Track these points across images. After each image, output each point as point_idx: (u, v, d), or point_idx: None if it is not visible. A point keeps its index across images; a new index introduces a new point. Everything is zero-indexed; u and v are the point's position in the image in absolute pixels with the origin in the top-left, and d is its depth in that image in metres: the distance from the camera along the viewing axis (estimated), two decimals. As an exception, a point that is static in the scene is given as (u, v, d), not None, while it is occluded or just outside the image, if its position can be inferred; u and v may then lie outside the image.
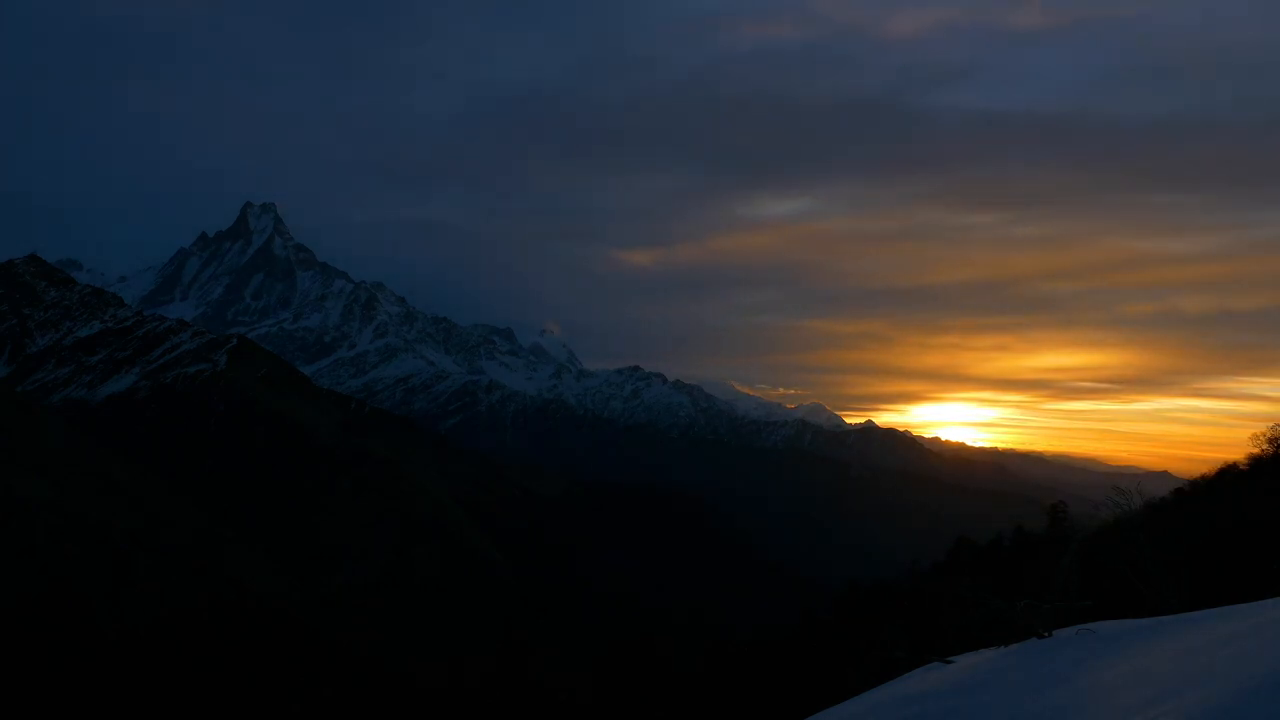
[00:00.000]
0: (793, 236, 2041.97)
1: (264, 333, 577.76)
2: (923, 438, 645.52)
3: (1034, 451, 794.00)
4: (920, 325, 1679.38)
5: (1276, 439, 43.59)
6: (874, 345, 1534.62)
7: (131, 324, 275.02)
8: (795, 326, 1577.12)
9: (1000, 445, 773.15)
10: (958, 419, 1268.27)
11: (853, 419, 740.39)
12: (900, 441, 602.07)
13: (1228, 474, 46.17)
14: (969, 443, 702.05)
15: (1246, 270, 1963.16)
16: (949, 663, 12.27)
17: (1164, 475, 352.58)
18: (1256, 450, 44.28)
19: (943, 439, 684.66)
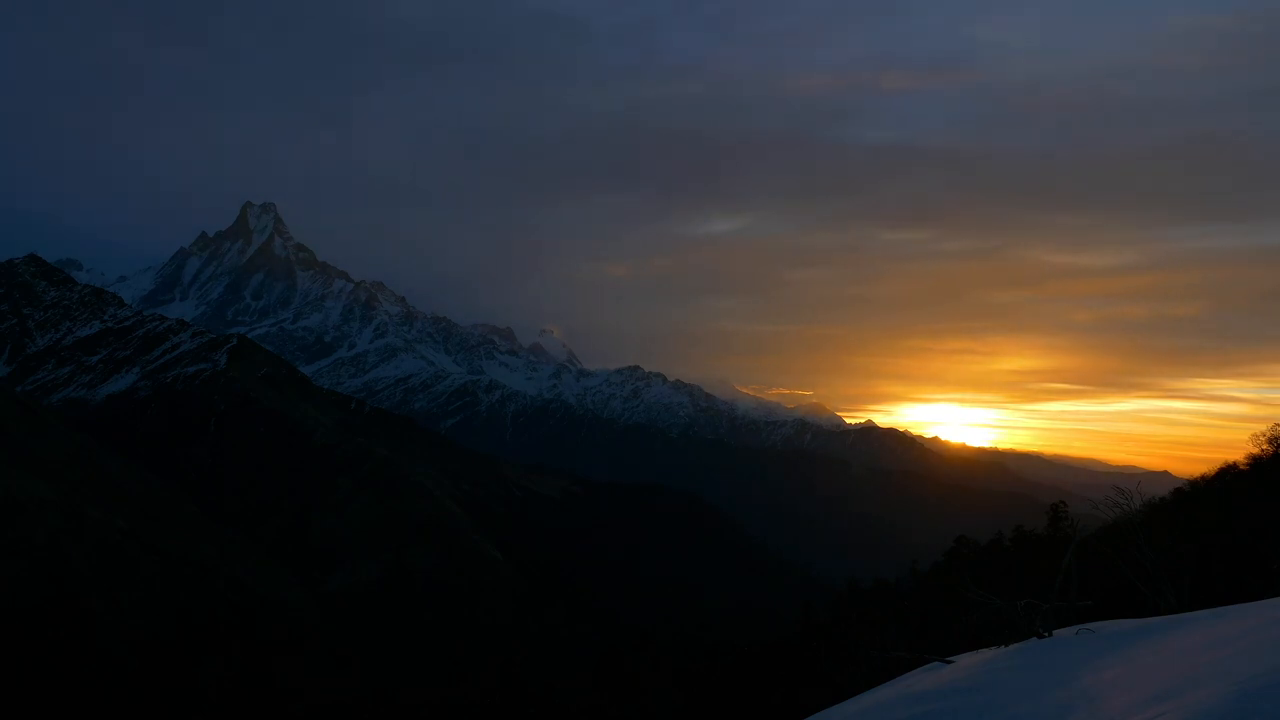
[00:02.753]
0: (744, 250, 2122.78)
1: (264, 333, 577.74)
2: (922, 438, 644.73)
3: (1034, 451, 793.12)
4: (887, 330, 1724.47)
5: (1276, 439, 43.57)
6: (854, 349, 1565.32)
7: (131, 324, 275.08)
8: (772, 331, 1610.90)
9: (1000, 445, 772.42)
10: (954, 420, 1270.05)
11: (853, 419, 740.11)
12: (900, 441, 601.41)
13: (1228, 474, 46.14)
14: (968, 443, 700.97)
15: (1168, 281, 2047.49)
16: (949, 663, 12.27)
17: (1164, 475, 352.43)
18: (1256, 450, 44.25)
19: (942, 439, 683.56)
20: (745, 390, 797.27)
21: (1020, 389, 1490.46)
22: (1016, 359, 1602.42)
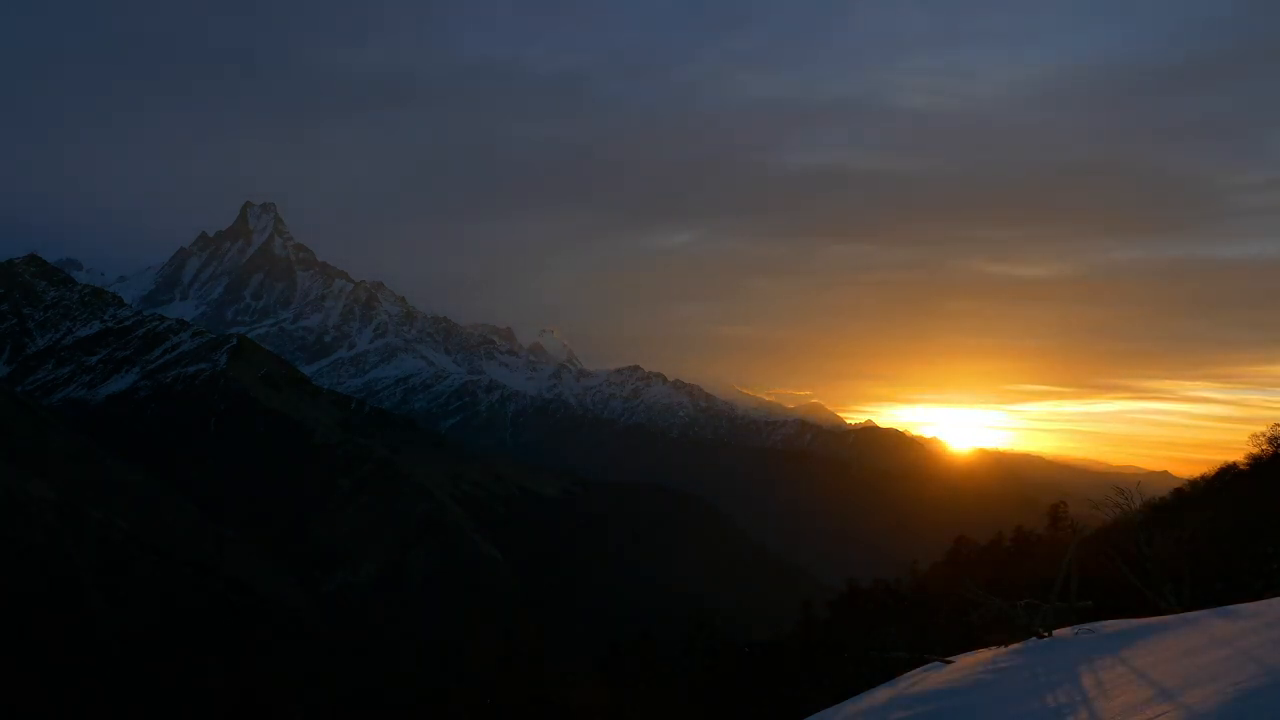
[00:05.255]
0: (703, 260, 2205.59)
1: (264, 333, 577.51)
2: (922, 438, 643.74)
3: (1034, 452, 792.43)
4: (866, 334, 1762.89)
5: (1276, 439, 43.61)
6: (839, 352, 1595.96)
7: (131, 324, 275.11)
8: (755, 335, 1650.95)
9: (1000, 446, 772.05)
10: (953, 421, 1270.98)
11: (853, 419, 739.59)
12: (900, 442, 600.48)
13: (1228, 474, 46.20)
14: (968, 443, 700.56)
15: (1111, 288, 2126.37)
16: (949, 662, 12.27)
17: (1164, 475, 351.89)
18: (1256, 450, 44.30)
19: (942, 439, 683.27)
20: (745, 390, 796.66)
21: (1005, 390, 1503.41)
22: (994, 363, 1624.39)
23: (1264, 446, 43.83)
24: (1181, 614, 11.45)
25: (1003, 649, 11.99)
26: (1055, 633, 12.17)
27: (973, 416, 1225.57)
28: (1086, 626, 11.82)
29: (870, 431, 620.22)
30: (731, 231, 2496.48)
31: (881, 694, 11.38)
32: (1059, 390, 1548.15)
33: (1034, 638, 12.13)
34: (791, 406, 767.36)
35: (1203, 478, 49.64)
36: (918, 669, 12.75)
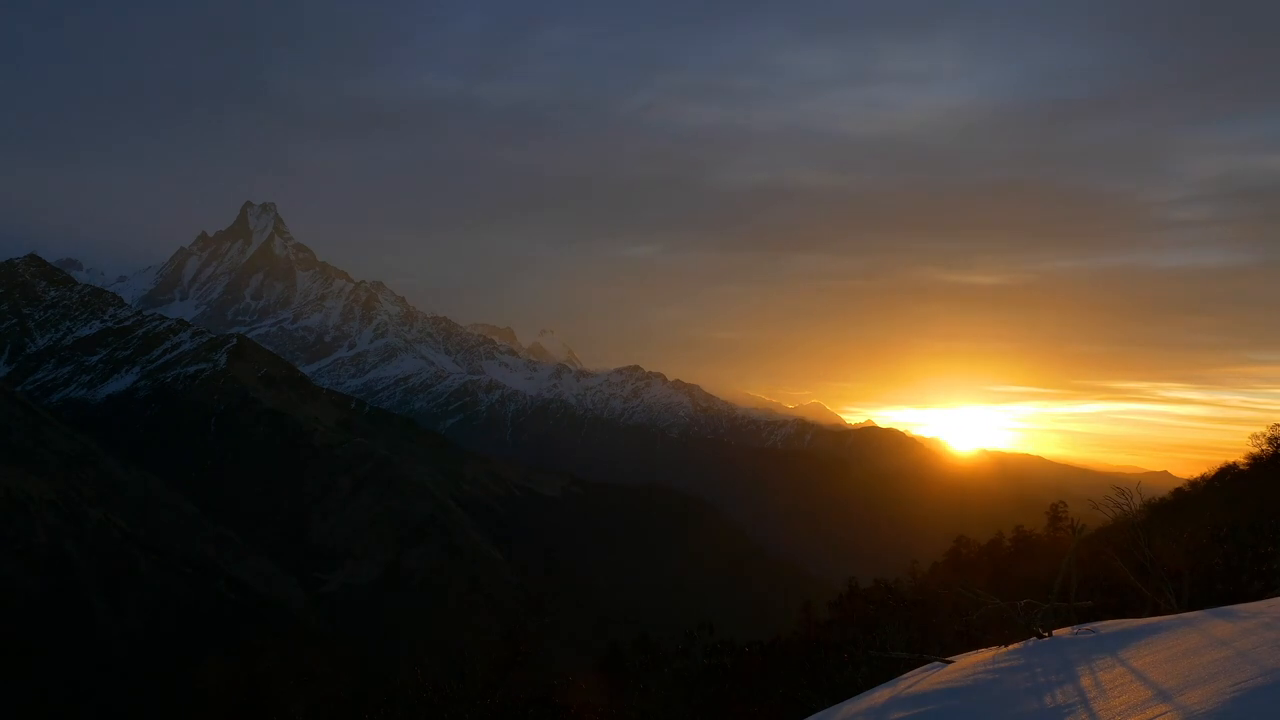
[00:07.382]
0: (669, 269, 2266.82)
1: (264, 332, 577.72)
2: (922, 438, 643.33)
3: (1033, 453, 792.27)
4: (839, 337, 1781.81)
5: (1276, 439, 43.66)
6: (820, 354, 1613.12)
7: (131, 324, 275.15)
8: (735, 338, 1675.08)
9: (999, 446, 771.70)
10: (954, 422, 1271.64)
11: (853, 419, 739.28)
12: (900, 442, 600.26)
13: (1228, 474, 46.26)
14: (969, 444, 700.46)
15: (1059, 296, 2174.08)
16: (949, 663, 12.26)
17: (1164, 475, 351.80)
18: (1256, 450, 44.36)
19: (942, 440, 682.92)
20: (747, 390, 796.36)
21: (992, 392, 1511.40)
22: (978, 363, 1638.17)
23: (1264, 446, 43.91)
24: (1181, 614, 11.44)
25: (1003, 649, 11.98)
26: (1055, 633, 12.15)
27: (963, 416, 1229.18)
28: (1086, 626, 11.81)
29: (870, 432, 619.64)
30: (691, 243, 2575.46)
31: (881, 694, 11.37)
32: (1043, 392, 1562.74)
33: (1034, 638, 12.12)
34: (791, 406, 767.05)
35: (1203, 478, 49.73)
36: (918, 669, 12.74)
